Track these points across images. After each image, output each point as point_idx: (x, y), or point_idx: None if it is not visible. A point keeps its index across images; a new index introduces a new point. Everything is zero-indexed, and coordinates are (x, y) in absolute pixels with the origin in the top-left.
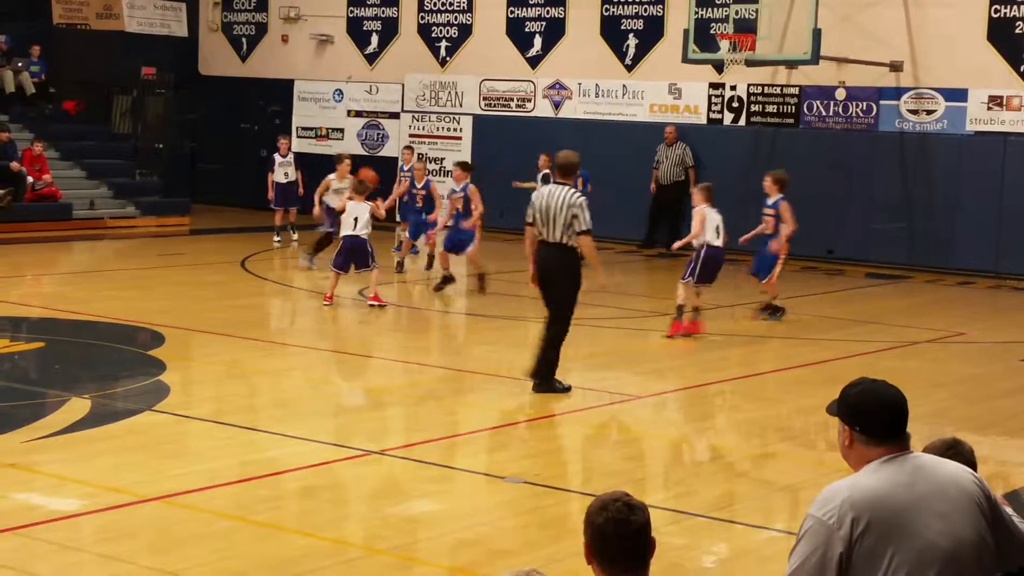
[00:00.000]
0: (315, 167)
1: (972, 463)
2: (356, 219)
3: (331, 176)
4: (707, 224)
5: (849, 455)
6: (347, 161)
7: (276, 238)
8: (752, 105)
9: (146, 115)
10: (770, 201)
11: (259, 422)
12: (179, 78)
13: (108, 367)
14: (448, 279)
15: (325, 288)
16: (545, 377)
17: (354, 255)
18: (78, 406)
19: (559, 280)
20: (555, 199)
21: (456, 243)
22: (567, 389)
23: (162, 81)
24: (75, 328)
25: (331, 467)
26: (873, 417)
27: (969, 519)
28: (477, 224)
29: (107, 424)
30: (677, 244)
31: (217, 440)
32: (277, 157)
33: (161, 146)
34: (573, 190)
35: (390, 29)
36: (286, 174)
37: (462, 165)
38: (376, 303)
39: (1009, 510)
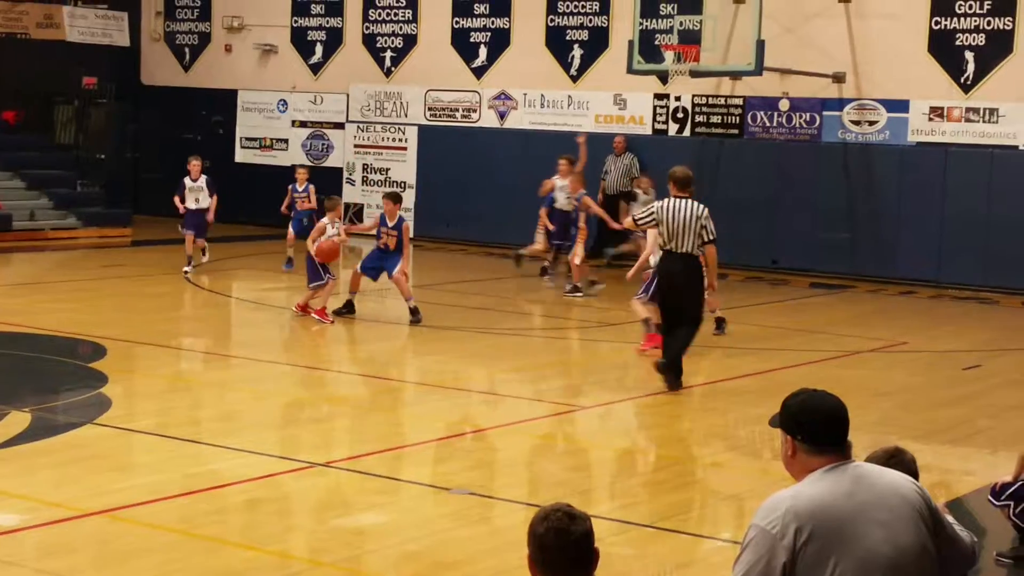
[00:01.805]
0: (261, 178)
1: (914, 472)
2: (197, 199)
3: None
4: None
5: (792, 465)
6: (341, 203)
7: (186, 268)
8: (697, 116)
9: (88, 125)
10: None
11: (203, 435)
12: (121, 88)
13: (49, 380)
14: (349, 307)
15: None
16: (679, 375)
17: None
18: (18, 420)
19: (691, 287)
20: (684, 212)
21: (378, 269)
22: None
23: (104, 91)
24: (15, 340)
25: (276, 479)
26: (814, 426)
27: (910, 528)
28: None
29: (48, 438)
30: (630, 273)
31: (160, 453)
32: (187, 181)
33: (103, 156)
34: (697, 203)
35: (334, 39)
36: (197, 200)
37: (392, 197)
38: (323, 319)
39: (950, 518)
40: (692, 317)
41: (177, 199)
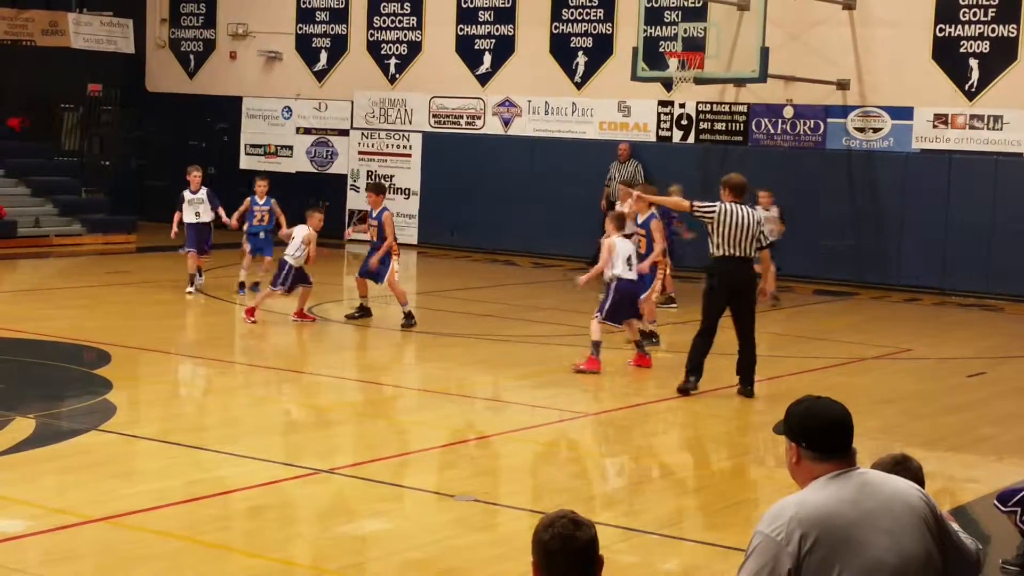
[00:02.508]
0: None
1: (920, 479)
2: (198, 212)
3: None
4: (617, 256)
5: (796, 472)
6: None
7: (189, 288)
8: (701, 123)
9: (93, 132)
10: (640, 219)
11: (207, 441)
12: (126, 95)
13: (53, 386)
14: (364, 311)
15: (250, 302)
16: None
17: (298, 275)
18: (23, 426)
19: (750, 290)
20: (746, 217)
21: (375, 272)
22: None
23: (109, 98)
24: (20, 347)
25: (280, 486)
26: (819, 433)
27: (916, 535)
28: (393, 251)
29: (52, 444)
30: (583, 279)
31: (164, 460)
32: (187, 193)
33: (108, 163)
34: (752, 208)
35: (339, 46)
36: (197, 213)
37: (374, 188)
38: (302, 319)
39: (955, 526)
40: (751, 319)
41: (177, 216)
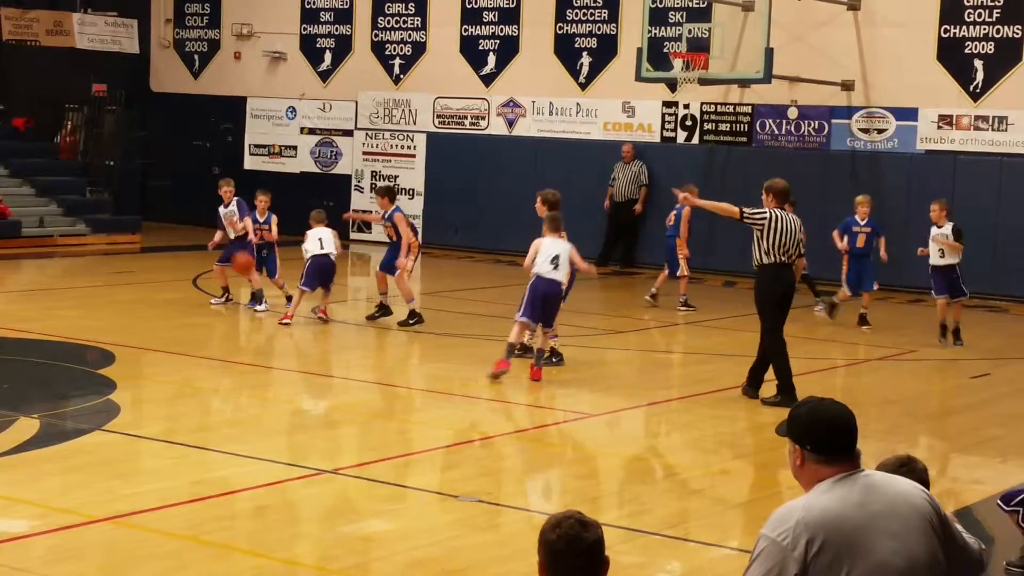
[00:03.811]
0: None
1: (925, 481)
2: (321, 240)
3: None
4: (541, 255)
5: (801, 474)
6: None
7: (213, 300)
8: (705, 123)
9: (97, 132)
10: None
11: (211, 441)
12: (130, 95)
13: (57, 386)
14: (384, 309)
15: (283, 307)
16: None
17: (322, 275)
18: (27, 426)
19: (792, 296)
20: (792, 224)
21: (391, 265)
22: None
23: (113, 98)
24: (24, 347)
25: (283, 486)
26: (823, 435)
27: (921, 537)
28: (412, 249)
29: (56, 444)
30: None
31: (168, 460)
32: (221, 209)
33: (112, 163)
34: (794, 215)
35: (343, 46)
36: (232, 225)
37: (381, 191)
38: (322, 316)
39: (959, 527)
40: (782, 327)
41: (218, 235)
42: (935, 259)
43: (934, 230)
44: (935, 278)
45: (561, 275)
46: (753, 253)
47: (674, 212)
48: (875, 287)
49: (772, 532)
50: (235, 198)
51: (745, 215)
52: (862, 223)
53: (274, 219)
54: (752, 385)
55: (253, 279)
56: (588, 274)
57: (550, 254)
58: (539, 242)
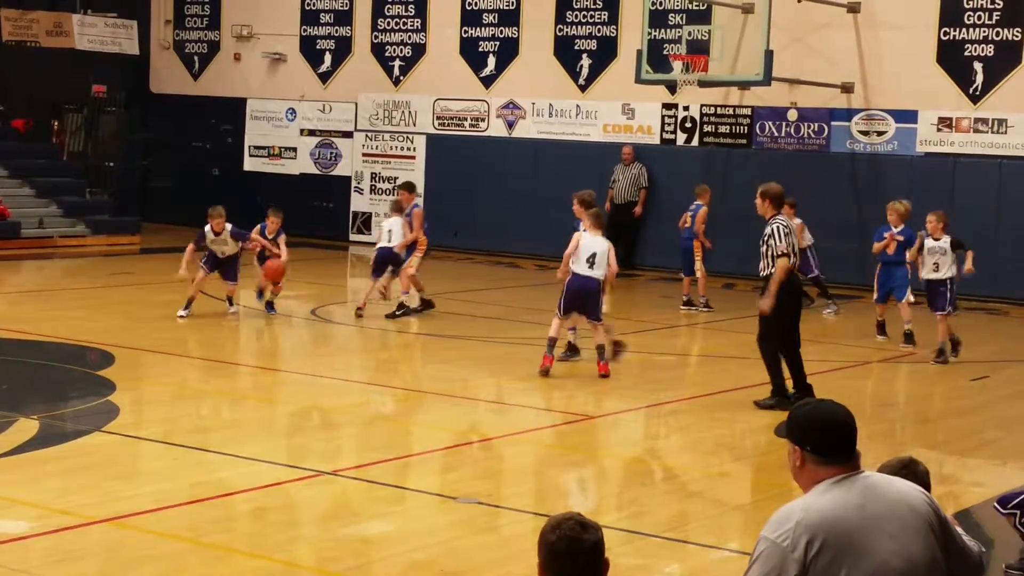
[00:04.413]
0: (270, 187)
1: (926, 483)
2: (390, 231)
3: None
4: (580, 252)
5: (800, 475)
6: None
7: (231, 308)
8: (705, 125)
9: (97, 133)
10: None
11: (210, 443)
12: (130, 96)
13: (57, 387)
14: (427, 303)
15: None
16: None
17: (385, 263)
18: (26, 427)
19: None
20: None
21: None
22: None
23: (113, 99)
24: (23, 348)
25: (283, 488)
26: (823, 437)
27: (921, 539)
28: (419, 245)
29: (56, 445)
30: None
31: (167, 461)
32: (208, 232)
33: (112, 164)
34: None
35: (343, 48)
36: (222, 252)
37: (406, 186)
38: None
39: (959, 529)
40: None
41: (190, 248)
42: (928, 272)
43: (930, 242)
44: (928, 291)
45: (599, 272)
46: (763, 262)
47: (689, 213)
48: (910, 298)
49: (772, 534)
50: (228, 225)
51: (783, 253)
52: (895, 230)
53: (283, 238)
54: (801, 389)
55: (277, 287)
56: (609, 278)
57: (589, 252)
58: (579, 236)
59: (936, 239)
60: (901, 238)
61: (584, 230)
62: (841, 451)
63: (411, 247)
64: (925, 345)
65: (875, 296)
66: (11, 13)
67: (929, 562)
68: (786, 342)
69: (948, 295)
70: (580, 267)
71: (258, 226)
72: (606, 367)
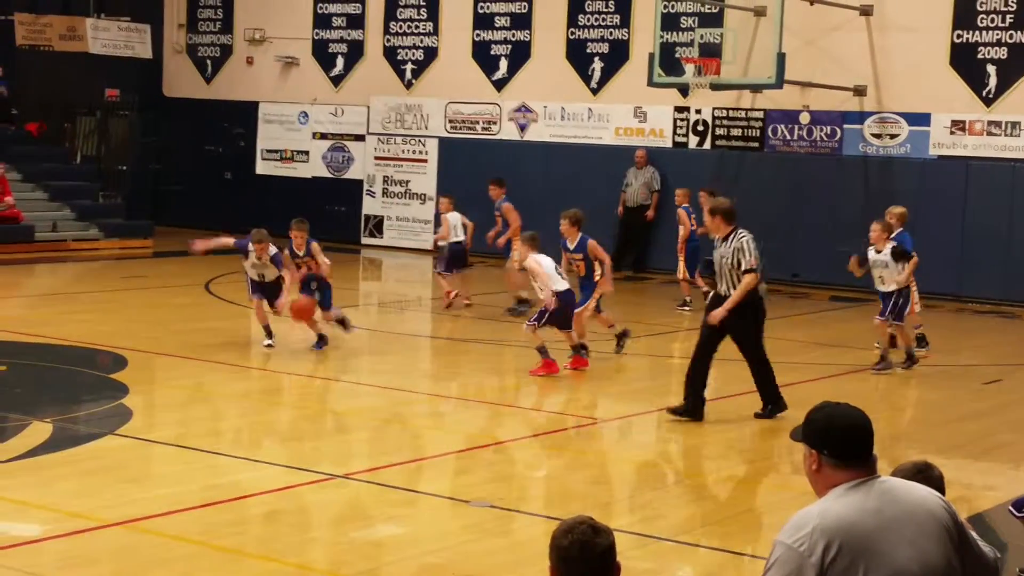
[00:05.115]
0: (282, 190)
1: (941, 488)
2: (464, 227)
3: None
4: (551, 271)
5: (816, 479)
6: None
7: (267, 340)
8: (717, 129)
9: (110, 137)
10: (572, 245)
11: (223, 446)
12: (143, 100)
13: (70, 391)
14: (524, 302)
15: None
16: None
17: (460, 261)
18: (39, 430)
19: None
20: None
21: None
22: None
23: (126, 103)
24: (37, 351)
25: (295, 491)
26: (840, 440)
27: (938, 544)
28: (515, 240)
29: (69, 448)
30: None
31: (180, 464)
32: (251, 254)
33: (125, 168)
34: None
35: (356, 52)
36: (262, 276)
37: (497, 181)
38: (467, 302)
39: (974, 533)
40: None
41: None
42: (877, 284)
43: (872, 253)
44: (882, 300)
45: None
46: (728, 280)
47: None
48: (915, 308)
49: (788, 538)
50: (273, 248)
51: (751, 268)
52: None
53: (315, 246)
54: (772, 402)
55: (314, 324)
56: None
57: (553, 267)
58: (538, 260)
59: (879, 251)
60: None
61: (535, 253)
62: (858, 455)
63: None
64: (936, 349)
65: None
66: (25, 17)
67: (946, 567)
68: (755, 348)
69: (893, 305)
70: (560, 283)
71: (285, 250)
72: (585, 361)
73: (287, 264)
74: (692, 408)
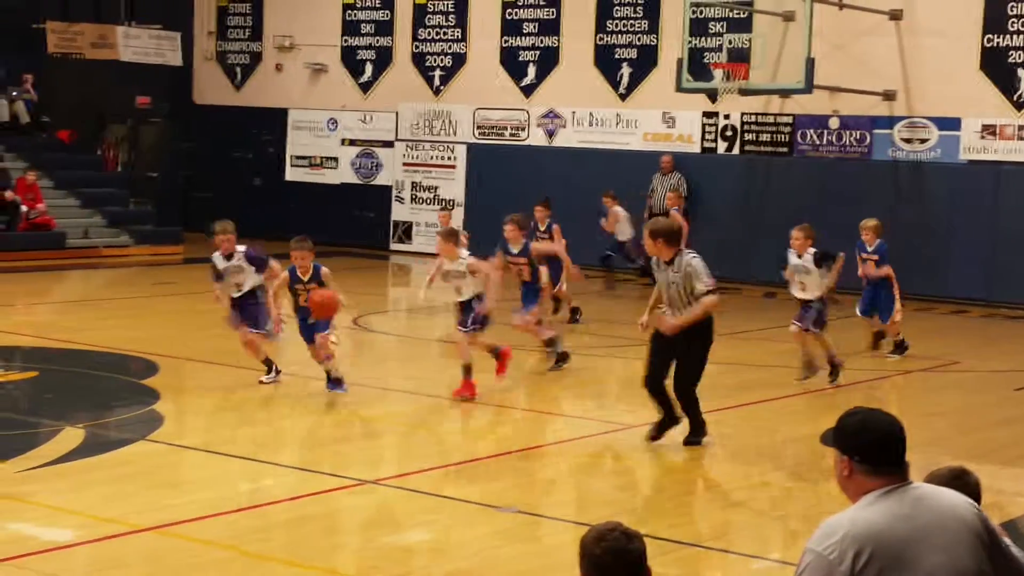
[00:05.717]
0: (311, 197)
1: (977, 495)
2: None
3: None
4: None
5: (848, 485)
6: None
7: (266, 376)
8: (746, 134)
9: (140, 144)
10: (516, 249)
11: (253, 451)
12: (173, 107)
13: (101, 396)
14: (575, 310)
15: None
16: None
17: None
18: (71, 436)
19: None
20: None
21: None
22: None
23: (157, 110)
24: (68, 357)
25: (324, 497)
26: (872, 446)
27: (969, 551)
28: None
29: (100, 454)
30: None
31: (211, 470)
32: (217, 259)
33: (155, 175)
34: None
35: (384, 58)
36: (237, 285)
37: (544, 204)
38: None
39: (1007, 540)
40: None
41: (216, 288)
42: (796, 290)
43: (793, 259)
44: (802, 308)
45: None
46: (679, 306)
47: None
48: (896, 317)
49: (818, 546)
50: (240, 248)
51: (710, 289)
52: (869, 249)
53: (326, 272)
54: (664, 429)
55: (326, 355)
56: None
57: None
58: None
59: (799, 256)
60: (875, 257)
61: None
62: (891, 461)
63: (556, 267)
64: (966, 355)
65: (858, 308)
66: (56, 25)
67: (977, 573)
68: (696, 377)
69: (815, 313)
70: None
71: (285, 273)
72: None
73: (271, 276)
74: (668, 419)
